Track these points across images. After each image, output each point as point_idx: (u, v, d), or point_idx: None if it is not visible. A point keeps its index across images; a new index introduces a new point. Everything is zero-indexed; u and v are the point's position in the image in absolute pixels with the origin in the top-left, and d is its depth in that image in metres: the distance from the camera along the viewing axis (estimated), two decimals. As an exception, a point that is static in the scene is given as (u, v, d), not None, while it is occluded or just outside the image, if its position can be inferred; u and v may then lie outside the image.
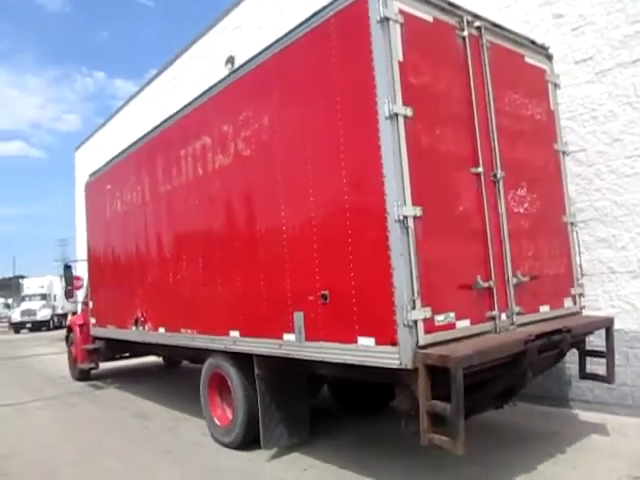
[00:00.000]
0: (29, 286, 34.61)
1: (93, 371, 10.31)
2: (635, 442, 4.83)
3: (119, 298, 8.23)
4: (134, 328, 7.49)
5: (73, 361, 10.62)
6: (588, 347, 4.99)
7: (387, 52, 3.67)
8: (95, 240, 9.50)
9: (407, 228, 3.57)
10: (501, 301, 4.23)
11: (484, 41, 4.48)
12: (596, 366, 4.96)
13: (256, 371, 4.99)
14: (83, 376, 10.35)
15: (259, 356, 4.97)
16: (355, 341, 3.88)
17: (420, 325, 3.56)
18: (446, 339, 3.72)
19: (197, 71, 13.19)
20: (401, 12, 3.81)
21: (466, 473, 4.28)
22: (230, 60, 11.67)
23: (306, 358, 4.40)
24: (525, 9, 6.41)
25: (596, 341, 5.04)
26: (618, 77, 5.67)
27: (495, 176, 4.38)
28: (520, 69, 4.92)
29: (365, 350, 3.81)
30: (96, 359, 9.94)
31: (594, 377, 4.99)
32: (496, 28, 4.70)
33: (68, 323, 11.72)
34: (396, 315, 3.54)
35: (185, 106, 6.28)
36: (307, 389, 5.28)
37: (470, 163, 4.21)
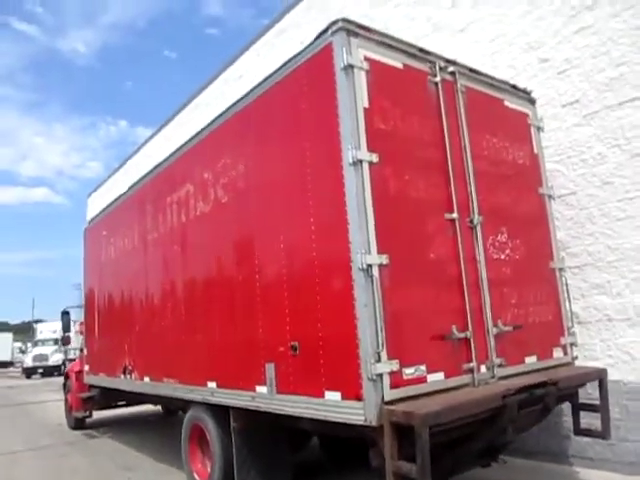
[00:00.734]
0: (42, 330, 34.47)
1: (90, 419, 10.10)
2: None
3: (110, 346, 8.12)
4: (123, 377, 7.36)
5: (69, 409, 10.45)
6: (582, 400, 4.71)
7: (351, 99, 3.63)
8: (90, 286, 9.48)
9: (372, 277, 3.42)
10: (480, 352, 4.01)
11: (459, 86, 4.42)
12: (595, 420, 4.62)
13: (232, 424, 4.80)
14: (78, 424, 10.15)
15: (235, 408, 4.78)
16: (322, 395, 3.70)
17: (386, 379, 3.36)
18: (417, 394, 3.51)
19: (203, 118, 13.40)
20: (367, 59, 3.79)
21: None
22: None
23: (276, 412, 4.21)
24: (511, 55, 6.41)
25: (595, 393, 4.73)
26: (605, 119, 5.57)
27: (472, 222, 4.24)
28: (499, 113, 4.84)
29: (332, 405, 3.62)
30: (90, 407, 9.75)
31: (589, 433, 4.67)
32: (472, 73, 4.66)
33: (66, 370, 11.60)
34: (361, 368, 3.37)
35: (172, 153, 6.34)
36: (287, 443, 5.03)
37: (444, 209, 4.07)
